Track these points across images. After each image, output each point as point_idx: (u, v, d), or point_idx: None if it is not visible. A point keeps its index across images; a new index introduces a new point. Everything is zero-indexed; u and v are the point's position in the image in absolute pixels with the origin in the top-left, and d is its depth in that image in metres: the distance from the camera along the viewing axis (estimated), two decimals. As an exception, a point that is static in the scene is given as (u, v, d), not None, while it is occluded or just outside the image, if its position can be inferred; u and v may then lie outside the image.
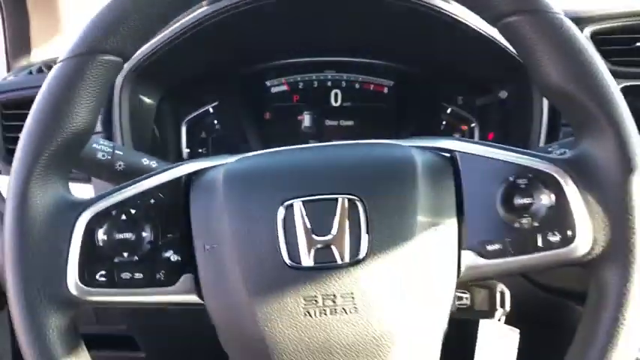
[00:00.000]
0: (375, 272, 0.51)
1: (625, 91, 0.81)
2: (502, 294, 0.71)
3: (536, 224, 0.53)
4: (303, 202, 0.52)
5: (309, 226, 0.52)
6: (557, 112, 0.83)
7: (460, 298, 0.72)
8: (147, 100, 0.94)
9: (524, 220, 0.54)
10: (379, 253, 0.52)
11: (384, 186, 0.53)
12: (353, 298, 0.51)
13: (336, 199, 0.52)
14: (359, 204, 0.52)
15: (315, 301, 0.51)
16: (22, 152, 0.53)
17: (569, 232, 0.53)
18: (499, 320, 0.73)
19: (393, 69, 1.02)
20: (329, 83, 1.04)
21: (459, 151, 0.56)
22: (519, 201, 0.54)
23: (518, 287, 0.76)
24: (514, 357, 0.74)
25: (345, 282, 0.51)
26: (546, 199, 0.53)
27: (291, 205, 0.52)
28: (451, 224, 0.54)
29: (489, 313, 0.72)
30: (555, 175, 0.53)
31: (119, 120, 0.88)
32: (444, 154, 0.57)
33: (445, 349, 0.78)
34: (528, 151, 0.56)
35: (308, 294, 0.51)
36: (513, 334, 0.74)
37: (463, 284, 0.72)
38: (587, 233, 0.52)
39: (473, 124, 1.01)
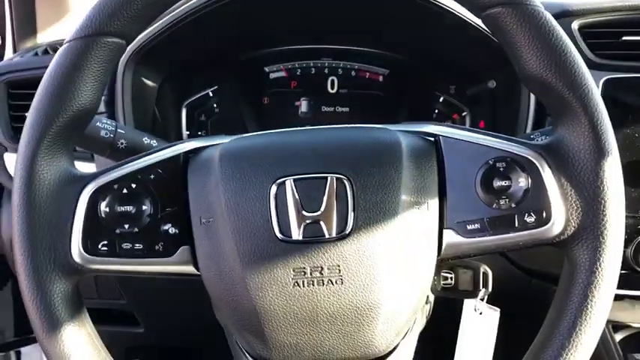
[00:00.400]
0: (360, 246, 0.55)
1: (609, 83, 0.84)
2: (485, 274, 0.74)
3: (513, 205, 0.57)
4: (294, 179, 0.55)
5: (299, 202, 0.55)
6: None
7: (445, 278, 0.75)
8: (149, 82, 0.97)
9: (502, 202, 0.57)
10: (364, 228, 0.55)
11: (370, 166, 0.56)
12: (339, 270, 0.54)
13: (326, 178, 0.55)
14: (346, 183, 0.55)
15: (304, 272, 0.54)
16: (29, 128, 0.56)
17: (544, 214, 0.56)
18: (482, 299, 0.77)
19: (388, 58, 1.05)
20: (326, 70, 1.07)
21: (442, 135, 0.59)
22: (498, 183, 0.57)
23: (501, 269, 0.80)
24: (494, 334, 0.77)
25: (332, 255, 0.54)
26: (523, 182, 0.57)
27: (283, 183, 0.55)
28: (433, 204, 0.57)
29: (472, 293, 0.75)
30: (532, 160, 0.57)
31: (122, 101, 0.91)
32: (428, 138, 0.60)
33: (431, 326, 0.82)
34: (508, 136, 0.59)
35: (297, 266, 0.54)
36: (494, 313, 0.77)
37: (448, 265, 0.76)
38: (561, 215, 0.56)
39: (464, 113, 1.04)
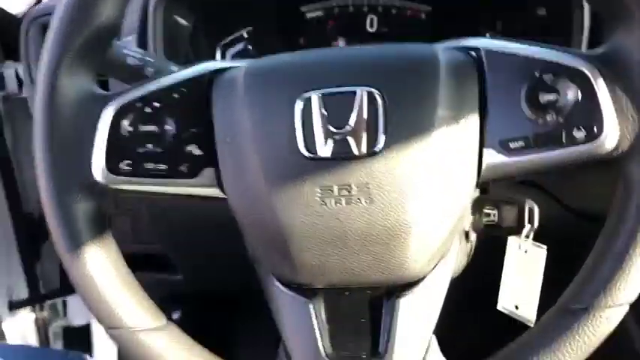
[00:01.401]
0: (391, 164, 0.51)
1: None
2: (531, 210, 0.70)
3: (561, 120, 0.52)
4: (321, 94, 0.52)
5: (326, 117, 0.52)
6: (597, 27, 0.80)
7: (488, 215, 0.71)
8: (181, 20, 0.95)
9: (548, 117, 0.52)
10: (397, 145, 0.51)
11: (404, 79, 0.53)
12: (368, 188, 0.51)
13: (355, 92, 0.52)
14: (378, 97, 0.52)
15: (331, 190, 0.51)
16: (50, 44, 0.55)
17: (595, 128, 0.51)
18: (527, 237, 0.72)
19: None
20: (365, 9, 1.02)
21: (485, 48, 0.55)
22: (544, 97, 0.52)
23: (547, 209, 0.75)
24: (541, 273, 0.73)
25: (361, 173, 0.51)
26: (572, 94, 0.51)
27: (309, 98, 0.52)
28: (473, 121, 0.53)
29: (517, 230, 0.71)
30: (583, 69, 0.51)
31: (153, 40, 0.90)
32: (470, 52, 0.56)
33: (474, 266, 0.77)
34: (556, 47, 0.54)
35: (324, 184, 0.51)
36: (541, 251, 0.73)
37: (491, 201, 0.72)
38: (614, 129, 0.50)
39: None
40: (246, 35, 1.02)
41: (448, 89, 0.53)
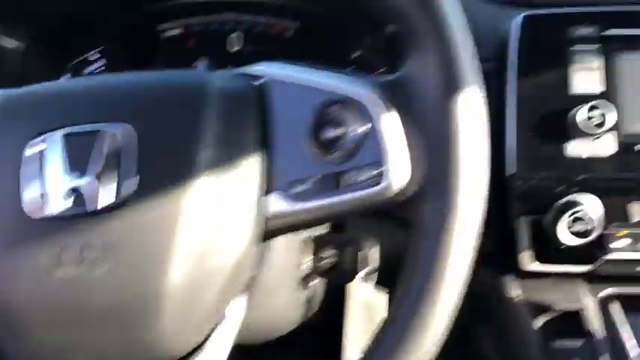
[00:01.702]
0: (144, 217, 0.42)
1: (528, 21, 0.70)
2: (369, 251, 0.63)
3: (345, 160, 0.44)
4: (55, 136, 0.44)
5: (61, 166, 0.43)
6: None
7: (321, 259, 0.64)
8: (8, 43, 0.85)
9: (333, 156, 0.44)
10: (151, 195, 0.43)
11: (164, 113, 0.45)
12: (113, 251, 0.42)
13: (99, 131, 0.43)
14: (130, 135, 0.43)
15: (67, 256, 0.42)
16: None
17: (381, 169, 0.43)
18: (366, 280, 0.65)
19: (297, 9, 0.92)
20: (228, 26, 0.94)
21: (268, 77, 0.47)
22: (329, 133, 0.45)
23: (394, 244, 0.67)
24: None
25: (105, 232, 0.42)
26: (359, 129, 0.44)
27: (44, 141, 0.43)
28: (253, 161, 0.45)
29: (354, 274, 0.63)
30: (370, 100, 0.44)
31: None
32: (253, 81, 0.48)
33: (321, 317, 0.70)
34: (347, 73, 0.47)
35: (58, 248, 0.42)
36: (381, 295, 0.65)
37: (334, 241, 0.64)
38: (401, 169, 0.43)
39: (382, 70, 0.90)
40: (95, 57, 0.92)
41: (220, 124, 0.45)
